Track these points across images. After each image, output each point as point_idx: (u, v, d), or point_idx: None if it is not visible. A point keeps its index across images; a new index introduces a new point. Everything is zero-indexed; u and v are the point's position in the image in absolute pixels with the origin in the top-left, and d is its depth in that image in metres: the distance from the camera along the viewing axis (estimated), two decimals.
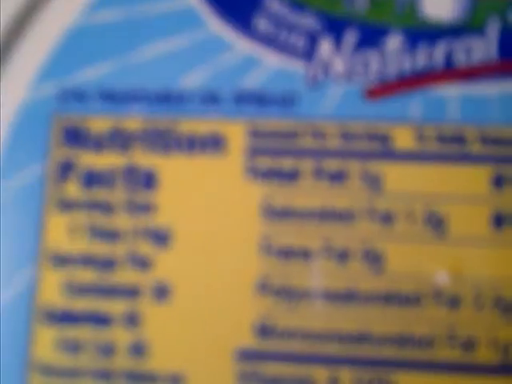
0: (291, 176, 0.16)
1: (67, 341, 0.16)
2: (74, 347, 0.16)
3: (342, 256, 0.16)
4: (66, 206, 0.17)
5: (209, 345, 0.16)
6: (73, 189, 0.17)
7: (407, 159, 0.16)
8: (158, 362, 0.16)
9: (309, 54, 0.17)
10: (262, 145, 0.16)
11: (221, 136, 0.17)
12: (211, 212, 0.16)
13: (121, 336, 0.16)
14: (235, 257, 0.16)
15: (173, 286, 0.16)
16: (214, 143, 0.17)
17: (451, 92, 0.16)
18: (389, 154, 0.16)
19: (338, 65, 0.17)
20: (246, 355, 0.16)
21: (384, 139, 0.16)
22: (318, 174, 0.16)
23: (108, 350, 0.16)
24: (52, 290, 0.16)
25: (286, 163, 0.16)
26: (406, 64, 0.16)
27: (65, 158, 0.17)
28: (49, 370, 0.16)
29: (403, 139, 0.16)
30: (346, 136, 0.16)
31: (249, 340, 0.16)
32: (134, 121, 0.17)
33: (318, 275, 0.16)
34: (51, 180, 0.17)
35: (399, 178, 0.16)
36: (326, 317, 0.16)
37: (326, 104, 0.16)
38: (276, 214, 0.16)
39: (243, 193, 0.16)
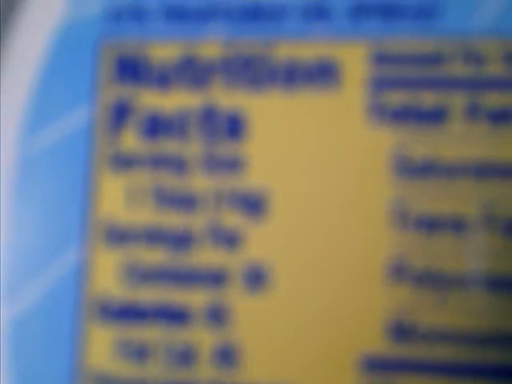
0: (435, 117, 0.12)
1: (130, 343, 0.12)
2: (139, 352, 0.12)
3: (510, 227, 0.11)
4: (124, 163, 0.12)
5: (322, 349, 0.11)
6: (131, 140, 0.12)
7: None
8: (253, 371, 0.12)
9: None
10: (391, 74, 0.12)
11: (333, 63, 0.12)
12: (321, 169, 0.12)
13: (202, 337, 0.12)
14: (356, 231, 0.12)
15: (270, 269, 0.12)
16: (322, 73, 0.12)
17: None
18: None
19: None
20: (376, 364, 0.11)
21: None
22: (474, 113, 0.12)
23: (186, 356, 0.12)
24: (108, 275, 0.12)
25: (427, 99, 0.12)
26: None
27: (119, 98, 0.12)
28: (106, 382, 0.12)
29: None
30: (511, 58, 0.12)
31: (379, 343, 0.11)
32: (211, 46, 0.12)
33: (476, 254, 0.11)
34: (102, 129, 0.12)
35: None
36: (488, 312, 0.11)
37: (482, 15, 0.12)
38: (414, 170, 0.12)
39: (366, 142, 0.12)
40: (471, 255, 0.11)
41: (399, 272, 0.11)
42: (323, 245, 0.12)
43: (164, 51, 0.12)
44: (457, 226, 0.11)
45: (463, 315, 0.11)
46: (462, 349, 0.11)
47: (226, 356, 0.12)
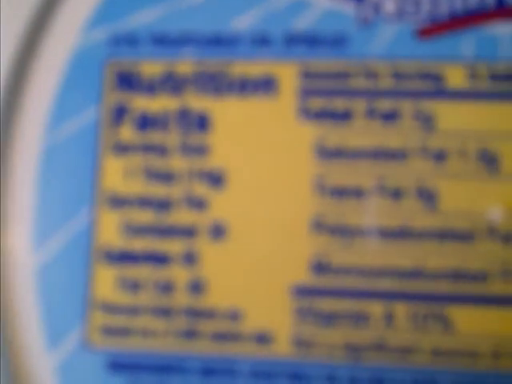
0: (344, 116, 0.16)
1: (126, 280, 0.17)
2: (133, 286, 0.16)
3: (396, 194, 0.16)
4: (121, 149, 0.17)
5: (265, 282, 0.16)
6: (127, 132, 0.17)
7: (460, 98, 0.16)
8: (216, 298, 0.16)
9: None
10: (314, 86, 0.17)
11: (273, 77, 0.17)
12: (264, 153, 0.16)
13: (179, 274, 0.16)
14: (289, 197, 0.16)
15: (229, 225, 0.16)
16: (266, 85, 0.17)
17: (503, 30, 0.16)
18: (441, 92, 0.16)
19: (389, 4, 0.17)
20: (302, 291, 0.16)
21: (436, 78, 0.16)
22: (371, 113, 0.16)
23: (167, 288, 0.16)
24: (110, 230, 0.17)
25: (339, 104, 0.16)
26: (457, 2, 0.16)
27: (118, 102, 0.17)
28: (109, 308, 0.16)
29: (455, 78, 0.16)
30: (398, 75, 0.16)
31: (304, 277, 0.16)
32: (185, 64, 0.17)
33: (371, 213, 0.16)
34: (106, 124, 0.17)
35: (452, 117, 0.16)
36: (380, 254, 0.16)
37: (378, 44, 0.16)
38: (329, 154, 0.16)
39: (296, 134, 0.16)
40: (368, 213, 0.16)
41: (318, 226, 0.16)
42: (267, 207, 0.16)
43: (151, 68, 0.17)
44: (358, 192, 0.16)
45: (363, 256, 0.16)
46: (363, 279, 0.16)
47: (196, 288, 0.16)
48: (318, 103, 0.16)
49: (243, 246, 0.16)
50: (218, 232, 0.16)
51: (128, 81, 0.17)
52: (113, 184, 0.17)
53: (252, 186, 0.16)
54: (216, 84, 0.17)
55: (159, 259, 0.16)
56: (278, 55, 0.17)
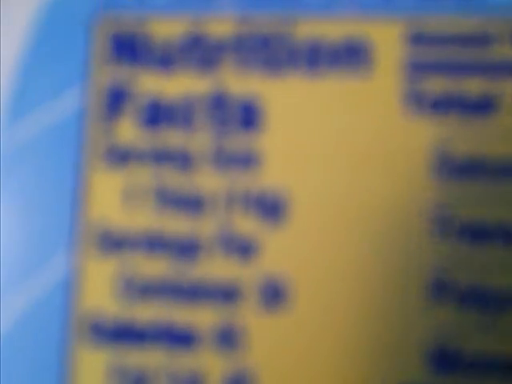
0: (481, 107, 0.10)
1: (126, 371, 0.10)
2: (136, 381, 0.10)
3: None
4: (120, 157, 0.11)
5: (350, 380, 0.10)
6: (129, 130, 0.11)
7: None
8: None
9: None
10: (430, 57, 0.10)
11: (363, 43, 0.10)
12: (348, 168, 0.10)
13: (211, 364, 0.10)
14: (391, 241, 0.10)
15: (289, 284, 0.10)
16: (351, 55, 0.10)
17: None
18: None
19: None
20: None
21: None
22: None
23: None
24: (101, 288, 0.10)
25: (472, 85, 0.10)
26: None
27: (115, 81, 0.11)
28: None
29: None
30: None
31: (418, 374, 0.10)
32: (223, 23, 0.11)
33: None
34: (95, 117, 0.11)
35: None
36: None
37: None
38: (457, 170, 0.10)
39: (401, 136, 0.10)
40: None
41: (441, 290, 0.10)
42: (350, 256, 0.10)
43: (167, 28, 0.11)
44: (506, 235, 0.10)
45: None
46: None
47: None
48: (436, 85, 0.10)
49: (311, 318, 0.10)
50: (272, 295, 0.10)
51: (131, 48, 0.11)
52: (106, 214, 0.10)
53: (325, 222, 0.10)
54: (270, 54, 0.10)
55: (179, 338, 0.10)
56: (370, 8, 0.10)
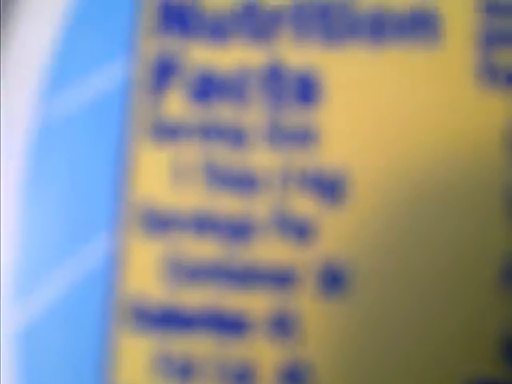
0: None
1: (171, 359, 0.10)
2: (182, 370, 0.09)
3: None
4: (168, 133, 0.10)
5: (416, 372, 0.09)
6: (178, 105, 0.10)
7: None
8: None
9: None
10: (506, 27, 0.09)
11: (431, 12, 0.10)
12: (414, 145, 0.09)
13: (264, 353, 0.09)
14: (461, 224, 0.09)
15: (350, 268, 0.09)
16: (418, 25, 0.10)
17: None
18: None
19: None
20: None
21: None
22: None
23: (242, 377, 0.09)
24: (145, 271, 0.10)
25: None
26: None
27: (163, 53, 0.10)
28: None
29: None
30: None
31: (493, 367, 0.09)
32: None
33: None
34: (141, 90, 0.10)
35: None
36: None
37: None
38: None
39: (474, 112, 0.09)
40: None
41: None
42: (415, 240, 0.09)
43: None
44: None
45: None
46: None
47: (294, 377, 0.09)
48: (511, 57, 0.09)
49: (374, 305, 0.09)
50: (332, 280, 0.09)
51: (180, 17, 0.10)
52: (152, 192, 0.10)
53: (389, 201, 0.09)
54: (330, 24, 0.10)
55: (230, 325, 0.09)
56: None
